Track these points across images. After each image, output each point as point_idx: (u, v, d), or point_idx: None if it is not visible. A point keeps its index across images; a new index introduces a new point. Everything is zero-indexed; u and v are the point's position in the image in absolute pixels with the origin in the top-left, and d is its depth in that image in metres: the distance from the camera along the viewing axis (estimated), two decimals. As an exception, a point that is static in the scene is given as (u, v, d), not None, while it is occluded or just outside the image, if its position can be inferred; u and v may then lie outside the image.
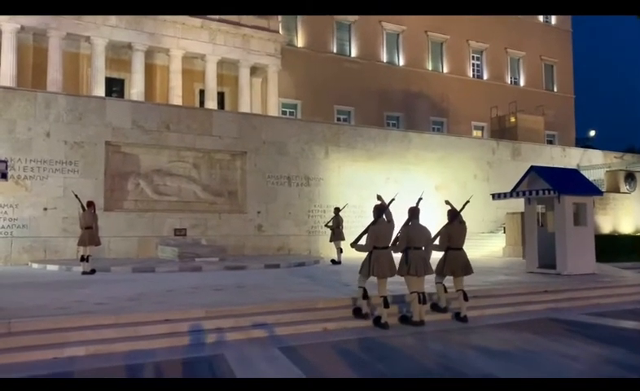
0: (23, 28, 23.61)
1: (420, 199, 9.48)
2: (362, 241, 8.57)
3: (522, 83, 40.77)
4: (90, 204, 14.03)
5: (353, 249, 8.72)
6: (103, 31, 24.93)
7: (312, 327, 8.44)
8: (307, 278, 12.86)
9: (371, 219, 8.63)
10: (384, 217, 8.65)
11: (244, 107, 27.56)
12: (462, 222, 9.42)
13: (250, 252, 19.75)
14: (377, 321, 8.70)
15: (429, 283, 9.39)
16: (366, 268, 8.59)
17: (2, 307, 8.38)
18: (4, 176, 8.95)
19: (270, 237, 20.34)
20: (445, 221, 9.53)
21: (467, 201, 9.86)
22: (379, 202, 8.84)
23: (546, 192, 13.85)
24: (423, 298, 8.69)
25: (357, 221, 17.49)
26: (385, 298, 8.61)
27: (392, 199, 8.89)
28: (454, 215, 9.43)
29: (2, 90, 17.78)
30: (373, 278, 8.63)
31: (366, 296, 8.73)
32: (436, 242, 9.33)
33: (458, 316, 9.23)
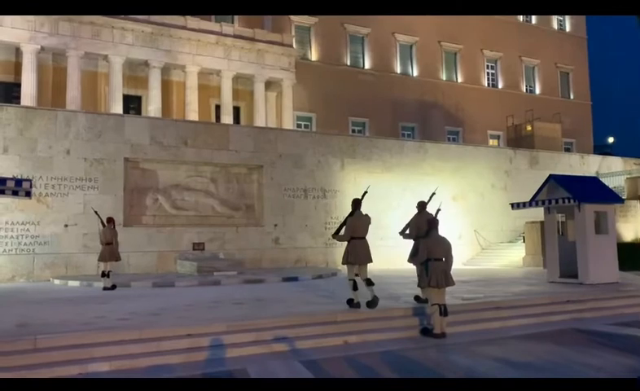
0: (43, 48, 24.11)
1: (439, 210, 9.48)
2: (342, 232, 9.56)
3: (537, 91, 40.51)
4: (110, 220, 14.20)
5: (334, 239, 9.90)
6: (120, 49, 25.35)
7: (333, 340, 8.41)
8: (325, 290, 12.85)
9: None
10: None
11: (260, 121, 27.76)
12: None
13: (267, 265, 19.80)
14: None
15: (449, 295, 9.33)
16: (345, 256, 9.48)
17: (26, 323, 8.50)
18: (28, 194, 9.11)
19: (287, 250, 20.38)
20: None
21: (433, 193, 10.89)
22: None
23: (566, 201, 13.70)
24: (444, 310, 8.63)
25: (374, 233, 17.40)
26: (369, 279, 9.35)
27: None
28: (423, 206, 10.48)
29: (24, 109, 18.16)
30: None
31: (355, 287, 9.48)
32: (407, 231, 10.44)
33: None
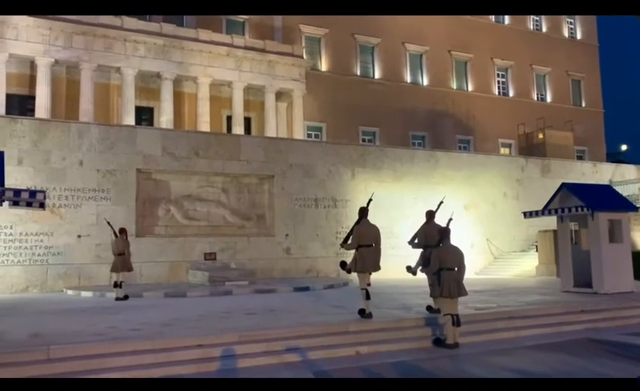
0: (57, 61, 24.43)
1: (450, 219, 9.43)
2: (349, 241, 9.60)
3: (549, 99, 40.29)
4: (122, 230, 14.31)
5: (343, 248, 9.92)
6: (132, 61, 25.62)
7: (344, 350, 8.38)
8: (337, 300, 12.82)
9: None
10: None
11: (270, 132, 27.86)
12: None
13: (279, 274, 19.80)
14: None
15: (462, 305, 9.26)
16: (353, 264, 9.51)
17: (40, 333, 8.57)
18: (42, 206, 9.20)
19: (298, 260, 20.37)
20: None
21: (441, 202, 10.82)
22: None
23: (579, 209, 13.58)
24: (456, 320, 8.56)
25: (385, 242, 17.33)
26: (367, 290, 9.48)
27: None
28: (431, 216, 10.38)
29: (38, 121, 18.41)
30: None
31: (368, 296, 9.48)
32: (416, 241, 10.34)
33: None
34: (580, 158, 37.29)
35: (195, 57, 26.85)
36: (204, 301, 13.24)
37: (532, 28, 40.64)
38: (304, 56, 30.14)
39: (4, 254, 16.47)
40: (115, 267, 13.97)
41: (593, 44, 42.94)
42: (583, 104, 41.57)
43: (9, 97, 23.84)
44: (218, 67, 27.27)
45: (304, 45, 31.13)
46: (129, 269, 14.19)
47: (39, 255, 16.85)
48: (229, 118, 28.57)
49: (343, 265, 9.91)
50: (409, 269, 10.23)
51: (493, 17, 39.09)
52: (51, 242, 17.03)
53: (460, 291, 8.56)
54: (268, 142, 21.51)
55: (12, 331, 8.92)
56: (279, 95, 29.45)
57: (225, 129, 28.48)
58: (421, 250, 10.39)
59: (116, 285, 13.89)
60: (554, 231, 17.44)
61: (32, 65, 24.46)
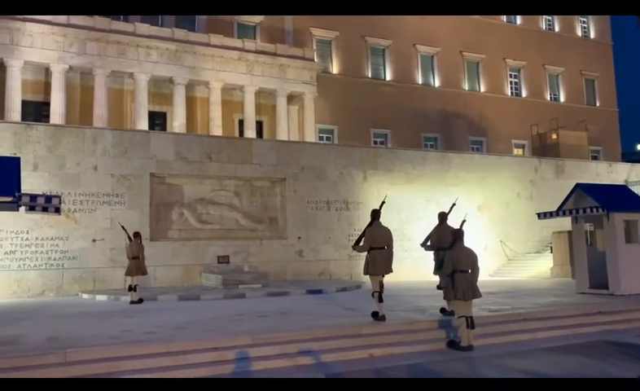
0: (71, 68, 24.70)
1: (464, 221, 9.38)
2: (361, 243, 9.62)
3: (562, 99, 39.93)
4: (137, 234, 14.43)
5: (355, 251, 10.04)
6: (145, 67, 25.84)
7: (358, 353, 8.37)
8: (349, 303, 12.80)
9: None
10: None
11: (282, 135, 27.93)
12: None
13: (291, 277, 19.82)
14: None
15: (476, 307, 9.21)
16: (365, 267, 9.55)
17: (56, 337, 8.66)
18: (57, 210, 9.30)
19: (311, 262, 20.38)
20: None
21: (454, 204, 10.94)
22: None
23: (594, 210, 13.43)
24: (471, 323, 8.51)
25: (397, 245, 17.31)
26: (380, 293, 9.44)
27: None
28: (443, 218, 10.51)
29: (53, 127, 18.62)
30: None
31: (381, 299, 9.47)
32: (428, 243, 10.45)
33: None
34: (594, 158, 36.91)
35: (206, 62, 27.00)
36: (218, 304, 13.30)
37: (544, 27, 40.33)
38: (315, 59, 30.18)
39: (21, 258, 16.68)
40: (129, 271, 14.08)
41: (607, 43, 42.51)
42: (597, 104, 41.15)
43: (24, 103, 24.14)
44: (230, 71, 27.41)
45: (315, 48, 31.17)
46: (144, 272, 14.30)
47: (55, 259, 17.03)
48: (241, 122, 28.68)
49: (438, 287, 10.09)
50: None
51: (504, 17, 38.86)
52: (67, 246, 17.21)
53: (474, 293, 8.51)
54: (280, 145, 21.56)
55: (30, 334, 9.03)
56: (291, 98, 29.52)
57: (237, 133, 28.60)
58: (434, 252, 10.37)
59: (131, 288, 14.00)
60: (569, 232, 17.28)
61: (47, 72, 24.76)
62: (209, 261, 18.75)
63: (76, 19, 24.52)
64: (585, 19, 42.07)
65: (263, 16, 30.58)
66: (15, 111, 23.35)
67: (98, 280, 17.37)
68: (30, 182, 16.13)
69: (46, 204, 8.91)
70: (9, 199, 7.99)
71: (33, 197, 8.95)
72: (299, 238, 20.34)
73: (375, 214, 9.71)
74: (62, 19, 24.26)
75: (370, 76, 33.62)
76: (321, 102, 30.20)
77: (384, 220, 9.88)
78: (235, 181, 20.07)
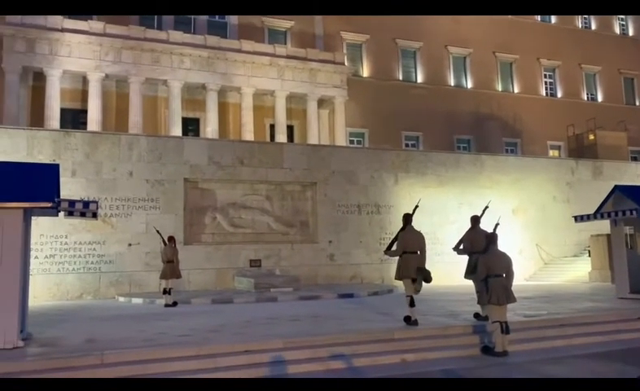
0: (107, 76, 25.36)
1: (497, 224, 9.24)
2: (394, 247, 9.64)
3: (600, 98, 38.89)
4: (171, 238, 14.68)
5: (387, 255, 9.99)
6: (178, 74, 26.32)
7: (390, 358, 8.31)
8: (381, 307, 12.73)
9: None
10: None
11: (313, 139, 28.02)
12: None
13: (322, 281, 19.84)
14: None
15: (511, 312, 9.03)
16: (397, 271, 9.54)
17: (94, 339, 8.88)
18: (95, 215, 9.56)
19: (342, 266, 20.36)
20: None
21: (486, 207, 10.94)
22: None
23: (634, 213, 13.02)
24: (505, 328, 8.36)
25: (430, 249, 17.13)
26: (411, 297, 9.41)
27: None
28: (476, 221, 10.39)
29: (90, 134, 19.13)
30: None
31: (412, 303, 9.43)
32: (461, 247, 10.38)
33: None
34: (634, 159, 35.76)
35: (238, 68, 27.34)
36: (250, 307, 13.41)
37: (580, 26, 39.40)
38: (346, 63, 30.20)
39: (60, 262, 17.17)
40: (164, 274, 14.33)
41: (647, 40, 41.24)
42: (637, 103, 39.93)
43: (63, 111, 24.87)
44: (261, 76, 27.67)
45: (345, 51, 31.21)
46: (178, 276, 14.52)
47: (92, 263, 17.48)
48: (272, 126, 28.91)
49: None
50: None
51: (538, 16, 38.13)
52: (103, 250, 17.64)
53: (509, 297, 8.36)
54: (310, 149, 21.64)
55: (69, 336, 9.29)
56: (321, 102, 29.60)
57: (268, 138, 28.84)
58: (467, 256, 10.23)
59: (165, 292, 14.24)
60: (608, 236, 16.83)
61: (84, 80, 25.47)
62: (241, 264, 18.94)
63: (111, 29, 25.18)
64: (623, 17, 40.90)
65: (293, 21, 30.79)
66: (54, 118, 24.09)
67: (133, 283, 17.74)
68: (68, 188, 16.60)
69: (84, 209, 9.15)
70: (49, 204, 8.23)
71: (72, 203, 9.21)
72: (330, 242, 20.35)
73: (407, 218, 9.66)
74: (98, 28, 24.96)
75: (400, 78, 33.45)
76: (351, 105, 30.19)
77: (416, 224, 9.80)
78: (267, 185, 20.23)
